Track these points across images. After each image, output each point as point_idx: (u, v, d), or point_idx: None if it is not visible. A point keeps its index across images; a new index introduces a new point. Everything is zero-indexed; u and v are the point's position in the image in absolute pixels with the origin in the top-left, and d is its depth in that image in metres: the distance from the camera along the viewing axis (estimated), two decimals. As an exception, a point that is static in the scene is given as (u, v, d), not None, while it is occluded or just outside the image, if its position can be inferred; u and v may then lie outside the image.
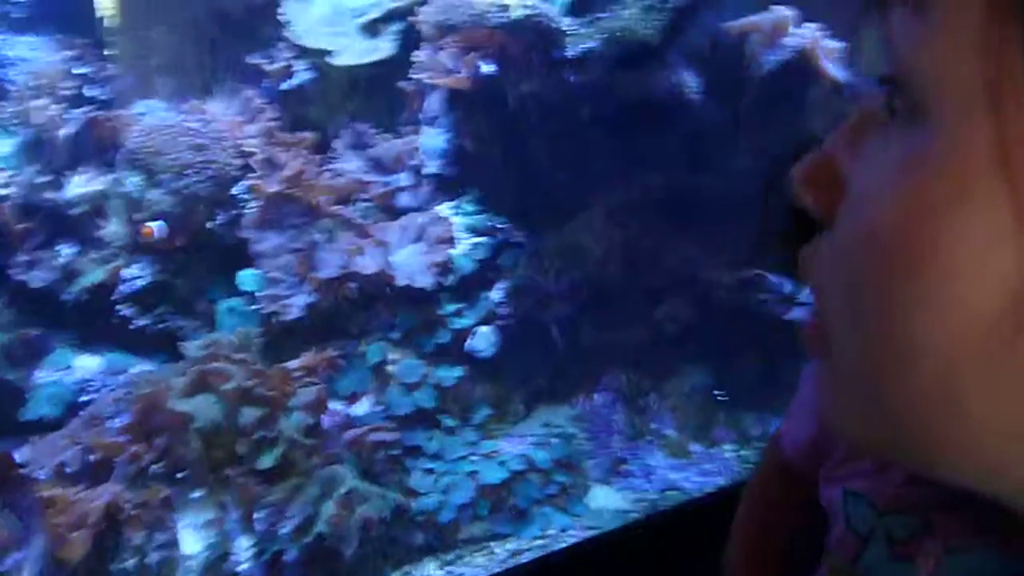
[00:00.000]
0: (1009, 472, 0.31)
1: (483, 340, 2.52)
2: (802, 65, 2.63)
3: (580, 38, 2.40)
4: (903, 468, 0.38)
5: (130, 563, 2.19)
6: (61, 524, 2.02)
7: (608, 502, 2.67)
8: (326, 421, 2.43)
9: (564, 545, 2.47)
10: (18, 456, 2.28)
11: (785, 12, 2.59)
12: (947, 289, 0.29)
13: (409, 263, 2.66)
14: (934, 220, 0.29)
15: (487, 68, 2.72)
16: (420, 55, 2.81)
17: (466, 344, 2.58)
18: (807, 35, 2.60)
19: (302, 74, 3.02)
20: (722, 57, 2.64)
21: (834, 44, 2.69)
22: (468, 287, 2.69)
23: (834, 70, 2.68)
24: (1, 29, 2.90)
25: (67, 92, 2.74)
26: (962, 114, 0.29)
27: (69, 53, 2.89)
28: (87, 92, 2.87)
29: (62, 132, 2.57)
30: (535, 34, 2.44)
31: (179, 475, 2.36)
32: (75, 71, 2.84)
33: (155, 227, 2.58)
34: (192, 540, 2.26)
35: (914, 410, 0.32)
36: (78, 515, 2.06)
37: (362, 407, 2.56)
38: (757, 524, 0.81)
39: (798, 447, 0.69)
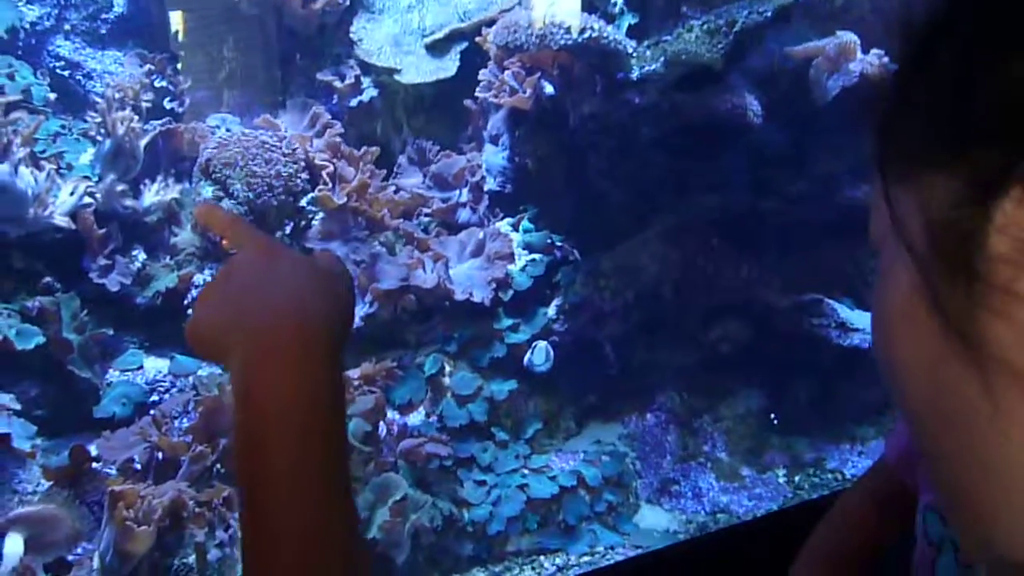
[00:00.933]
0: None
1: (541, 355, 2.55)
2: (867, 91, 2.62)
3: (643, 60, 2.43)
4: None
5: (190, 559, 2.26)
6: (129, 518, 2.10)
7: (657, 522, 2.68)
8: (382, 429, 2.49)
9: (611, 562, 2.49)
10: (90, 450, 2.38)
11: (851, 37, 2.59)
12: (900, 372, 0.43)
13: (468, 277, 2.71)
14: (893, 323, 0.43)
15: (549, 88, 2.78)
16: (484, 74, 2.87)
17: (524, 358, 2.61)
18: (873, 61, 2.59)
19: (369, 91, 3.11)
20: (785, 81, 2.65)
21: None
22: (524, 303, 2.73)
23: (879, 116, 2.66)
24: (88, 43, 3.04)
25: (146, 104, 2.86)
26: (894, 257, 0.42)
27: (149, 67, 3.02)
28: (165, 104, 2.99)
29: (141, 142, 2.69)
30: (599, 56, 2.48)
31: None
32: (155, 84, 2.97)
33: None
34: (250, 540, 2.33)
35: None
36: (145, 510, 2.14)
37: (417, 417, 2.61)
38: (838, 540, 0.85)
39: (900, 454, 0.74)
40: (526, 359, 2.61)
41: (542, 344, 2.56)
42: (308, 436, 0.56)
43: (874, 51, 2.65)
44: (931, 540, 0.62)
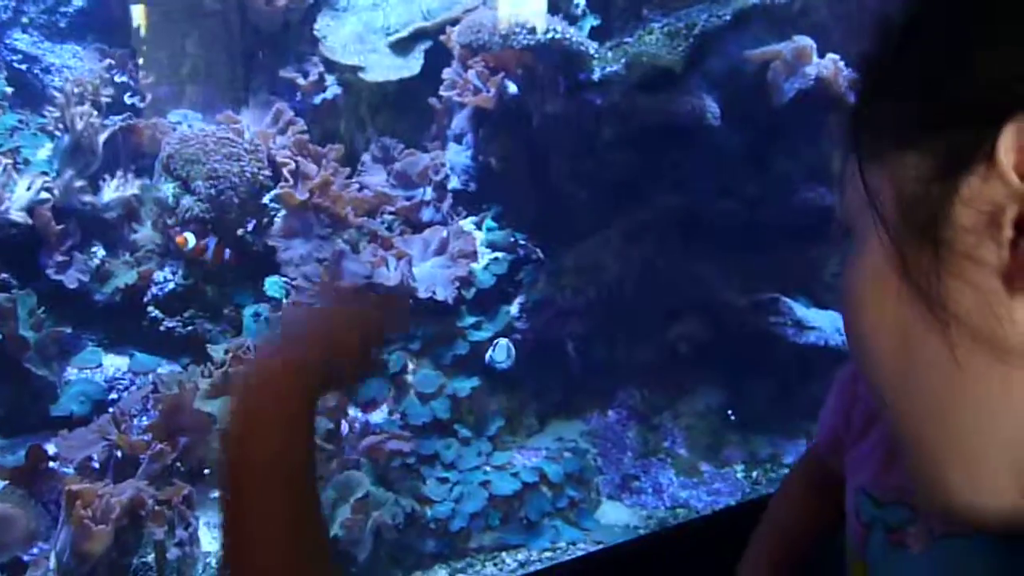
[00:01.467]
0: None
1: (503, 352, 2.57)
2: (822, 94, 2.68)
3: (605, 61, 2.46)
4: (900, 465, 0.49)
5: (149, 558, 2.25)
6: (86, 517, 2.08)
7: (618, 517, 2.71)
8: (344, 427, 2.49)
9: (572, 557, 2.52)
10: (48, 449, 2.35)
11: (807, 41, 2.64)
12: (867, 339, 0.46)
13: (431, 276, 2.72)
14: (863, 292, 0.46)
15: (513, 88, 2.80)
16: (448, 73, 2.89)
17: (486, 356, 2.63)
18: (828, 65, 2.65)
19: (333, 88, 3.11)
20: (743, 84, 2.69)
21: (854, 75, 2.74)
22: (487, 301, 2.74)
23: (853, 99, 2.72)
24: (47, 37, 3.00)
25: (106, 99, 2.83)
26: (865, 232, 0.45)
27: (109, 62, 2.98)
28: (126, 100, 2.97)
29: (100, 138, 2.66)
30: (561, 56, 2.51)
31: (200, 474, 2.43)
32: (116, 79, 2.94)
33: (189, 237, 2.65)
34: (211, 538, 2.32)
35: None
36: (103, 509, 2.12)
37: (380, 414, 2.62)
38: (782, 527, 0.88)
39: (827, 439, 0.77)
40: (487, 356, 2.63)
41: (503, 341, 2.58)
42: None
43: (830, 55, 2.71)
44: (862, 520, 0.65)
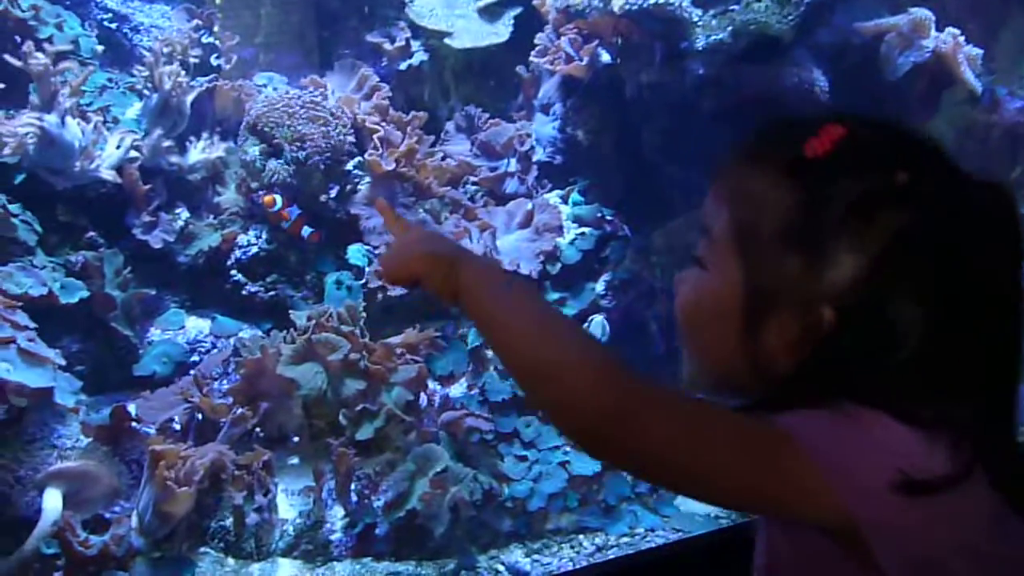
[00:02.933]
0: None
1: (597, 329, 2.49)
2: (938, 69, 2.51)
3: (708, 29, 2.34)
4: None
5: (228, 522, 2.24)
6: (169, 478, 2.07)
7: (698, 506, 2.61)
8: (423, 400, 2.45)
9: (651, 545, 2.44)
10: (130, 409, 2.36)
11: (925, 13, 2.48)
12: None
13: (515, 249, 2.65)
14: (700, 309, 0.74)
15: (606, 57, 2.69)
16: (540, 39, 2.79)
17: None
18: (947, 39, 2.48)
19: (419, 54, 3.04)
20: (853, 57, 2.54)
21: (974, 50, 2.56)
22: (572, 277, 2.66)
23: (971, 77, 2.55)
24: (137, -3, 3.00)
25: (193, 60, 2.81)
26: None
27: (197, 22, 2.96)
28: (212, 61, 2.94)
29: (188, 98, 2.64)
30: (662, 23, 2.39)
31: (280, 440, 2.41)
32: (202, 40, 2.92)
33: (277, 198, 2.61)
34: (288, 505, 2.31)
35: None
36: (186, 471, 2.11)
37: (459, 388, 2.56)
38: None
39: None
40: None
41: (598, 318, 2.49)
42: (512, 281, 0.78)
43: (949, 30, 2.54)
44: None
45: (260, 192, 2.63)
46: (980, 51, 2.58)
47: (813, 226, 0.64)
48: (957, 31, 2.53)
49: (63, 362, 2.00)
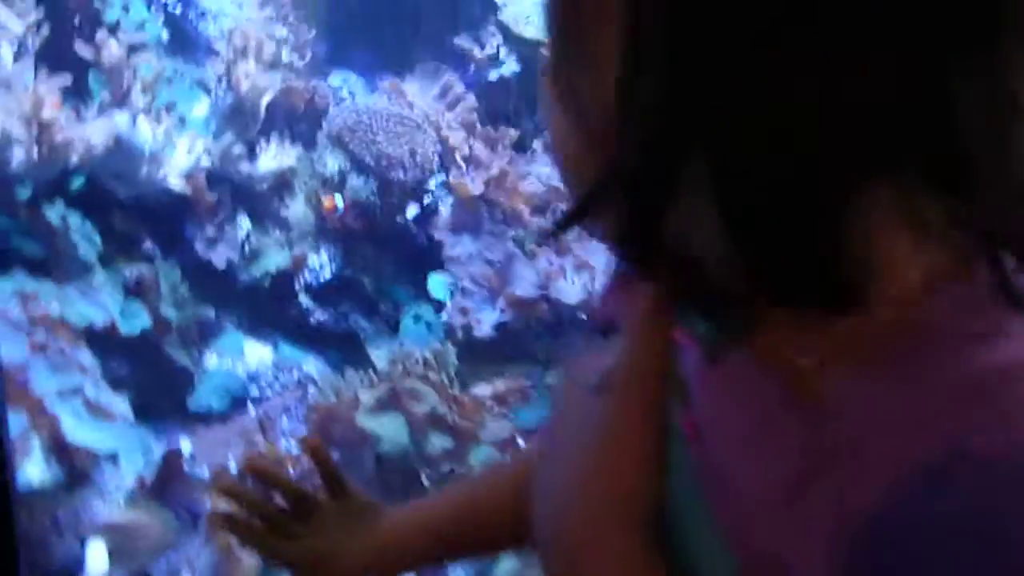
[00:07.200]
0: None
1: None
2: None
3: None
4: None
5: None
6: (232, 545, 1.82)
7: None
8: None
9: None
10: (183, 447, 2.11)
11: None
12: None
13: (615, 292, 2.38)
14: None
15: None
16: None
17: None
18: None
19: (511, 64, 2.76)
20: None
21: None
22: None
23: None
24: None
25: (268, 56, 2.53)
26: None
27: (270, 11, 2.68)
28: (284, 56, 2.66)
29: (264, 100, 2.37)
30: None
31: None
32: (276, 32, 2.64)
33: (338, 199, 2.37)
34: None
35: None
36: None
37: (545, 445, 2.31)
38: None
39: None
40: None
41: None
42: None
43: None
44: None
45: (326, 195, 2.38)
46: None
47: None
48: None
49: (131, 415, 1.73)
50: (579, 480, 0.46)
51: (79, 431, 1.56)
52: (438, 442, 2.04)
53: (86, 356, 1.69)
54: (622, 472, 0.45)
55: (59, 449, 1.56)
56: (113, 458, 1.68)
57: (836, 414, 0.37)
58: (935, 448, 0.34)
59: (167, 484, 2.02)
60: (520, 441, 2.30)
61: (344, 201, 2.39)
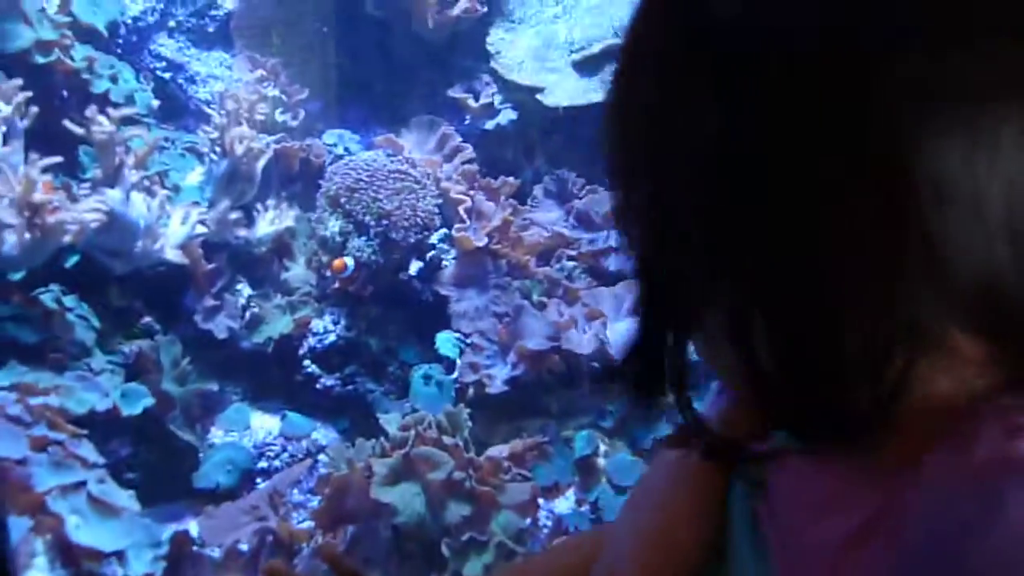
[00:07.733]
0: None
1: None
2: None
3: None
4: None
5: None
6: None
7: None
8: (528, 520, 2.11)
9: None
10: (191, 527, 2.03)
11: None
12: None
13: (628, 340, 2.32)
14: None
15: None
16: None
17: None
18: None
19: (507, 113, 2.73)
20: None
21: None
22: (696, 371, 2.33)
23: None
24: (194, 43, 2.68)
25: (260, 117, 2.49)
26: None
27: (260, 72, 2.65)
28: (277, 117, 2.62)
29: (259, 164, 2.32)
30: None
31: (364, 567, 2.07)
32: (267, 93, 2.60)
33: (348, 261, 2.32)
34: (377, 649, 1.97)
35: None
36: (264, 618, 1.77)
37: (565, 503, 2.23)
38: None
39: None
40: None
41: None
42: None
43: None
44: None
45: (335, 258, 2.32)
46: None
47: None
48: None
49: (138, 507, 1.65)
50: (634, 531, 0.53)
51: (83, 531, 1.48)
52: (457, 509, 1.96)
53: (89, 450, 1.62)
54: (673, 527, 0.52)
55: (64, 550, 1.48)
56: (119, 555, 1.59)
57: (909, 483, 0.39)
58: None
59: (177, 564, 1.93)
60: (541, 501, 2.22)
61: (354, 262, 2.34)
